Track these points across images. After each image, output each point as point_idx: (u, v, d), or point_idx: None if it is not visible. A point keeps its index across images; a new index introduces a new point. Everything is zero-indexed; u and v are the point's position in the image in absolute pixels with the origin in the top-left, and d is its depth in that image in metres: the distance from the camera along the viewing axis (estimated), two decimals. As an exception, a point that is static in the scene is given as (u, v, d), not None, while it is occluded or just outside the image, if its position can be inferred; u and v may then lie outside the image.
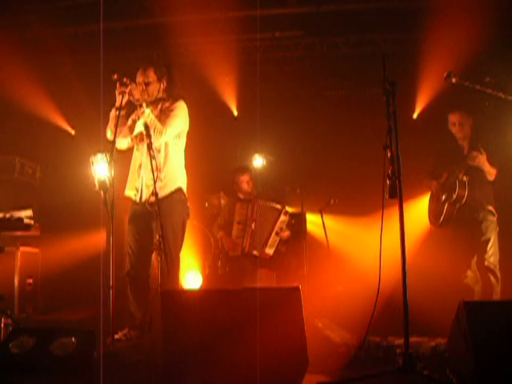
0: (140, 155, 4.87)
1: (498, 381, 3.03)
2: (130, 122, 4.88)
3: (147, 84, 4.83)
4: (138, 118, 4.79)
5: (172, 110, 4.85)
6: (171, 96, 4.95)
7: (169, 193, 4.77)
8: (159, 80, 4.89)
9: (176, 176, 4.87)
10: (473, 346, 3.11)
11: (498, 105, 5.37)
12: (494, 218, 5.42)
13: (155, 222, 4.66)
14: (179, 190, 4.86)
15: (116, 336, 4.70)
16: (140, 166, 4.85)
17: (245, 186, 6.80)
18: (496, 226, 5.41)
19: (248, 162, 7.28)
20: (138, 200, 4.83)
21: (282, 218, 6.58)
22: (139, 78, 4.83)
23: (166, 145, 4.80)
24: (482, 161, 5.26)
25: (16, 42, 7.16)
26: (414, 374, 3.28)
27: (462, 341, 3.26)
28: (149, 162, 4.52)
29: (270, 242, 6.48)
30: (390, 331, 4.62)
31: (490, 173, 5.33)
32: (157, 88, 4.89)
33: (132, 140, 4.92)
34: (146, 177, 4.80)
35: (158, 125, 4.68)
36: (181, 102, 4.93)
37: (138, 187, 4.83)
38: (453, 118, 5.59)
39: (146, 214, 4.79)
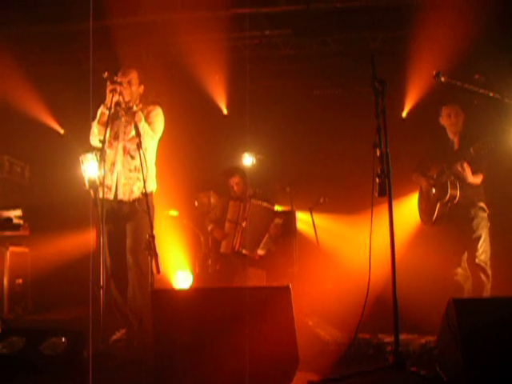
0: (113, 153, 4.87)
1: (486, 378, 3.05)
2: (98, 115, 4.79)
3: (130, 84, 4.88)
4: (109, 111, 4.60)
5: (156, 115, 4.97)
6: (148, 102, 5.03)
7: (149, 192, 4.77)
8: (140, 84, 4.99)
9: (152, 177, 4.96)
10: (462, 343, 3.13)
11: (486, 103, 5.38)
12: (485, 215, 5.38)
13: (131, 220, 4.79)
14: (152, 192, 4.95)
15: (114, 337, 4.71)
16: (113, 164, 4.85)
17: (234, 189, 6.78)
18: (487, 223, 5.36)
19: (238, 160, 7.28)
20: (111, 197, 4.80)
21: (277, 220, 6.56)
22: (122, 78, 4.82)
23: (145, 147, 4.78)
24: (467, 175, 5.25)
25: (3, 40, 7.10)
26: (404, 372, 3.30)
27: (451, 338, 3.27)
28: (126, 161, 4.78)
29: (262, 243, 6.46)
30: (379, 329, 4.64)
31: (474, 182, 5.32)
32: (136, 91, 4.95)
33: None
34: (122, 175, 4.83)
35: (149, 129, 4.79)
36: (159, 107, 5.04)
37: (110, 185, 4.80)
38: (448, 110, 5.49)
39: (120, 212, 4.83)
